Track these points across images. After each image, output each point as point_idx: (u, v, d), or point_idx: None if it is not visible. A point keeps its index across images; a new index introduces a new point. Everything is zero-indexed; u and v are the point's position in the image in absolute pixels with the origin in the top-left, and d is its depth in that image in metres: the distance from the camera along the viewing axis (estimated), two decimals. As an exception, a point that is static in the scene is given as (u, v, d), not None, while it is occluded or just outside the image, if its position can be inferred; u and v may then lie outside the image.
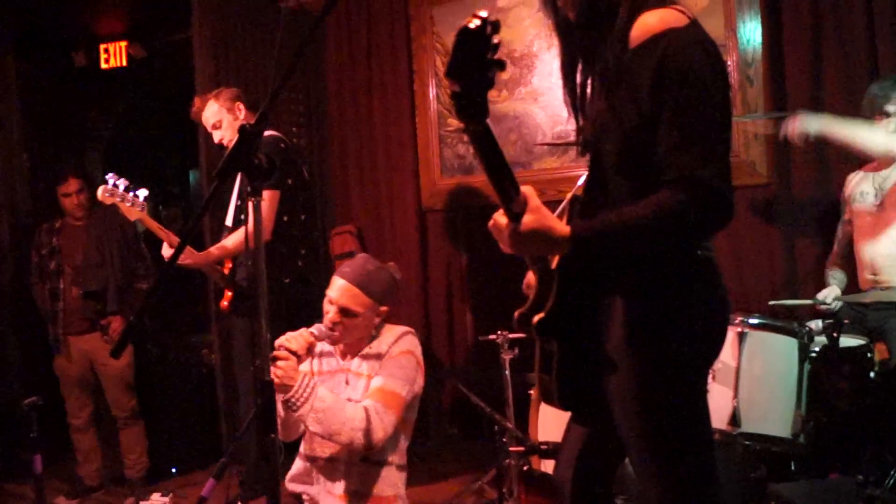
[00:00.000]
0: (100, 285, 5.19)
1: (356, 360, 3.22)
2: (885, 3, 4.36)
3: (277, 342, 2.97)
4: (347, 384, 3.20)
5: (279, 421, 3.11)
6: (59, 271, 5.24)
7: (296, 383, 2.93)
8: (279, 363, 2.91)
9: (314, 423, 2.95)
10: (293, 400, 2.93)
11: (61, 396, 5.32)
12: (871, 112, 3.97)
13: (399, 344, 3.19)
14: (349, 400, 3.10)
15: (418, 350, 3.24)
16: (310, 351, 3.04)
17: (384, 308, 3.24)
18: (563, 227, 1.91)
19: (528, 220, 1.90)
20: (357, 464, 3.14)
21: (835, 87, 4.53)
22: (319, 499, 3.20)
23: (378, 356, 3.18)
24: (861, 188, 4.10)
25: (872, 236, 4.00)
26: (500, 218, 1.98)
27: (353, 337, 3.21)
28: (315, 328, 3.06)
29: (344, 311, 3.13)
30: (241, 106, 4.50)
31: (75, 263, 5.23)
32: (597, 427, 2.21)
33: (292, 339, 2.98)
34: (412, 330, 3.31)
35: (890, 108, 3.91)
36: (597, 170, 2.11)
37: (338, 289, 3.17)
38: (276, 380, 2.87)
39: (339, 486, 3.14)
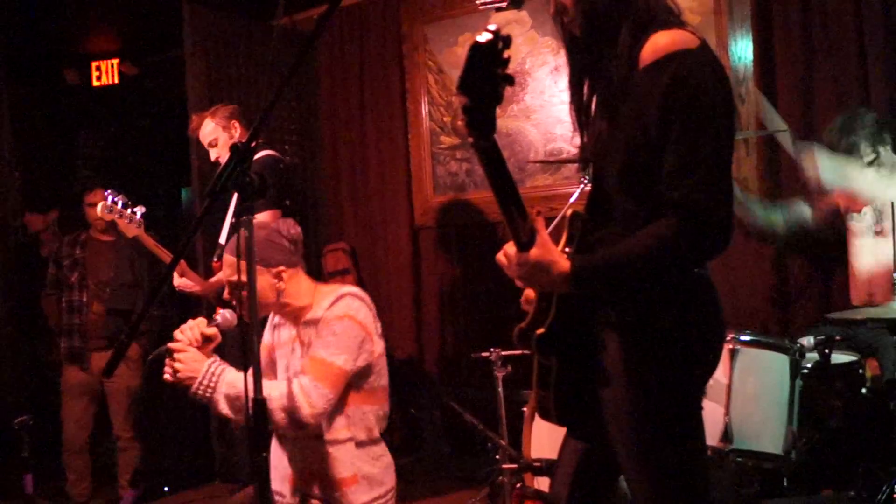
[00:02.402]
0: (129, 305, 5.17)
1: (302, 328, 2.96)
2: (875, 22, 4.38)
3: (175, 334, 2.77)
4: (293, 352, 2.98)
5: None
6: (81, 284, 5.20)
7: (199, 374, 2.71)
8: (178, 356, 2.71)
9: (230, 410, 2.72)
10: (200, 393, 2.70)
11: (50, 414, 5.28)
12: (837, 146, 4.03)
13: (334, 308, 2.86)
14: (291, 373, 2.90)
15: (361, 312, 2.90)
16: (209, 341, 2.79)
17: (279, 269, 2.90)
18: (564, 263, 1.91)
19: (535, 252, 1.90)
20: (303, 439, 2.89)
21: (826, 105, 4.55)
22: (273, 477, 2.95)
23: (315, 322, 2.88)
24: (855, 211, 4.10)
25: (872, 258, 4.01)
26: (510, 248, 1.98)
27: (265, 311, 3.00)
28: (220, 315, 2.84)
29: (232, 285, 2.91)
30: (237, 124, 4.48)
31: (100, 279, 5.19)
32: (593, 443, 2.21)
33: (185, 330, 2.77)
34: (353, 290, 2.95)
35: (863, 146, 3.95)
36: (599, 187, 2.11)
37: (223, 266, 2.99)
38: (174, 376, 2.70)
39: (287, 465, 2.94)
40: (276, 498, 2.94)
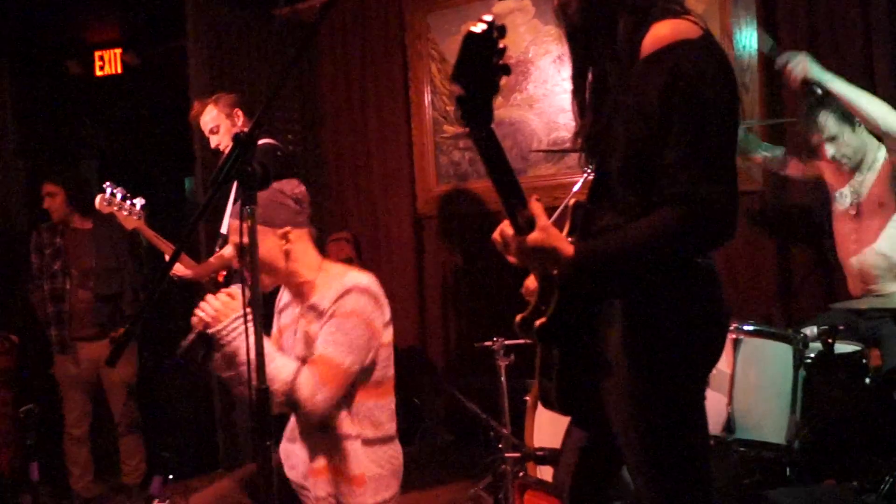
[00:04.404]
0: (116, 289, 5.17)
1: (305, 309, 2.86)
2: (880, 12, 4.36)
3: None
4: (295, 335, 2.88)
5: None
6: (64, 272, 5.19)
7: (231, 318, 2.66)
8: (218, 297, 2.69)
9: (232, 367, 2.68)
10: (223, 334, 2.65)
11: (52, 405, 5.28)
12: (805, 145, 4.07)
13: (342, 304, 2.72)
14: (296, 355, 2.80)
15: (368, 308, 2.75)
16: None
17: (285, 229, 2.80)
18: (567, 248, 1.90)
19: (534, 237, 1.90)
20: (315, 434, 2.80)
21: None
22: (292, 475, 2.91)
23: (320, 313, 2.76)
24: (841, 189, 4.06)
25: (856, 248, 3.96)
26: (507, 228, 1.98)
27: (274, 279, 2.86)
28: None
29: (238, 249, 2.77)
30: (240, 112, 4.49)
31: (84, 267, 5.18)
32: (597, 432, 2.21)
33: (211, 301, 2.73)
34: (360, 283, 2.77)
35: (824, 133, 3.92)
36: (602, 178, 2.11)
37: (230, 232, 2.89)
38: (203, 319, 2.68)
39: (307, 459, 2.84)
40: (302, 492, 2.87)
